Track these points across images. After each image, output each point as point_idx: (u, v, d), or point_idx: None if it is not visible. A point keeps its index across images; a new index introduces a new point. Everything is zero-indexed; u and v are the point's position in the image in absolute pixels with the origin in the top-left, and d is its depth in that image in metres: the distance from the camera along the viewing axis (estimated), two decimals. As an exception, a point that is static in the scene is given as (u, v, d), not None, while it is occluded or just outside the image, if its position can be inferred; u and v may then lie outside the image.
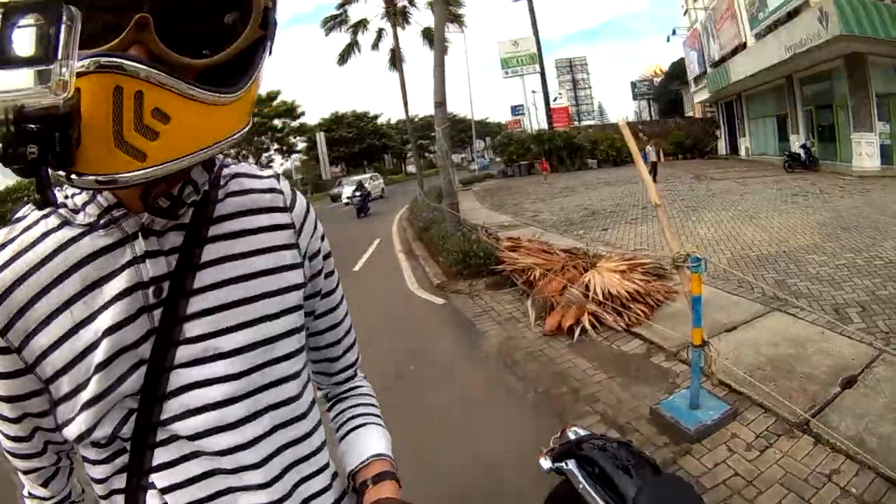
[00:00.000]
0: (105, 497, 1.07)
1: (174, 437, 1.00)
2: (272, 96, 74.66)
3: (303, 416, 1.15)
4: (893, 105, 23.16)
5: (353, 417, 1.38)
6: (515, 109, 73.36)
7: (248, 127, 0.98)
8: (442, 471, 4.55)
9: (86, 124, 0.73)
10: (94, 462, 1.04)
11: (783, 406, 4.85)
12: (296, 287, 1.14)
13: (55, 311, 0.94)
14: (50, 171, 0.75)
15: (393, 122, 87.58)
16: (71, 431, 0.98)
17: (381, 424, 1.39)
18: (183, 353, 0.99)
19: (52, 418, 1.02)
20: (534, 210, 21.96)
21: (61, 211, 0.98)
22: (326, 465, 1.22)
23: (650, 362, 6.29)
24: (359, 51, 34.69)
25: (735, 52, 35.17)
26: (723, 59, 37.60)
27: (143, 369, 0.97)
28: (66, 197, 0.98)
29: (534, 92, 62.55)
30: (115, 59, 0.73)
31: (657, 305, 7.72)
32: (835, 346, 5.91)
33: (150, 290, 0.98)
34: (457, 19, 29.80)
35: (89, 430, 0.96)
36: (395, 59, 33.13)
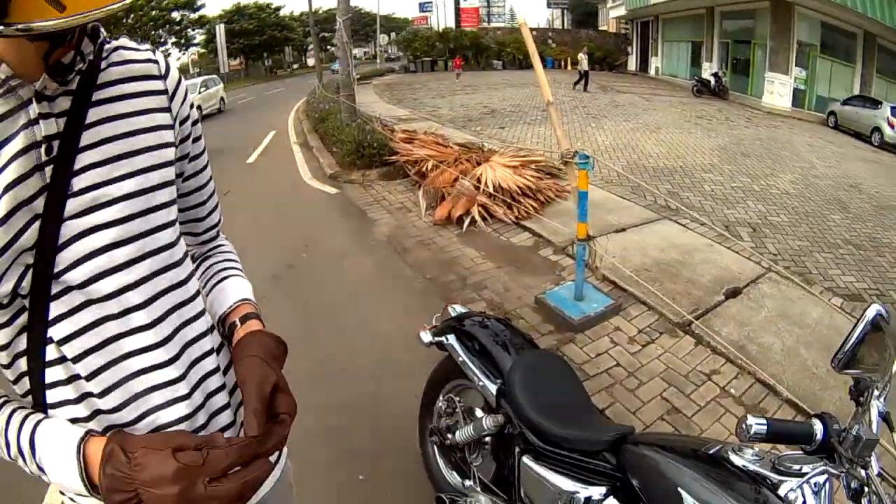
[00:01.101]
0: (9, 365, 1.10)
1: (68, 289, 1.04)
2: (171, -12, 72.15)
3: (179, 263, 1.20)
4: (812, 55, 24.11)
5: (218, 272, 1.45)
6: (423, 6, 72.02)
7: None
8: (333, 348, 4.64)
9: None
10: None
11: (666, 306, 5.04)
12: (169, 145, 1.19)
13: None
14: None
15: (296, 13, 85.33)
16: None
17: (242, 276, 1.46)
18: (73, 204, 1.03)
19: None
20: (433, 105, 21.81)
21: None
22: (203, 312, 1.27)
23: (538, 255, 6.42)
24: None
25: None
26: (642, -21, 37.69)
27: (38, 224, 1.00)
28: None
29: (444, -11, 61.54)
30: None
31: (548, 202, 7.85)
32: (722, 259, 6.17)
33: (43, 148, 1.00)
34: None
35: (14, 283, 1.00)
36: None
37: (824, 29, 23.59)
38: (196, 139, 1.35)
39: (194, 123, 1.33)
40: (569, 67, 40.90)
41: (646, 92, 26.67)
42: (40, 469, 1.03)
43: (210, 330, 1.28)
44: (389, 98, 25.94)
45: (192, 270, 1.28)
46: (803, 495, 1.38)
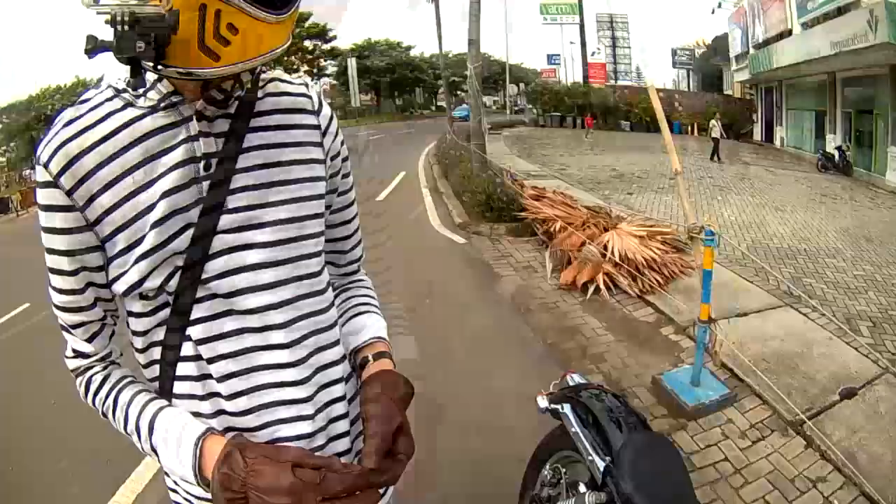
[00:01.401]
0: (143, 350, 1.25)
1: (212, 295, 1.18)
2: (304, 17, 73.94)
3: (322, 292, 1.33)
4: None
5: (356, 305, 1.54)
6: (552, 59, 71.99)
7: (289, 43, 1.14)
8: (443, 398, 4.74)
9: (171, 30, 0.94)
10: (139, 315, 1.21)
11: (781, 402, 4.94)
12: (320, 178, 1.31)
13: (118, 176, 1.11)
14: (143, 62, 0.96)
15: (427, 55, 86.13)
16: (124, 282, 1.15)
17: (379, 313, 1.55)
18: (226, 220, 1.17)
19: (105, 274, 1.18)
20: (561, 164, 21.95)
21: (125, 95, 1.15)
22: (338, 341, 1.38)
23: (659, 333, 6.42)
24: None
25: (780, 37, 34.18)
26: (766, 42, 36.66)
27: (191, 232, 1.15)
28: (130, 84, 1.06)
29: (571, 43, 61.28)
30: None
31: (672, 277, 7.81)
32: (840, 354, 5.98)
33: (202, 164, 1.15)
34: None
35: (140, 282, 1.14)
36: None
37: None
38: (345, 175, 1.47)
39: (344, 160, 1.45)
40: (695, 133, 40.19)
41: (772, 165, 25.91)
42: (153, 450, 1.17)
43: (342, 359, 1.39)
44: (519, 151, 26.25)
45: (333, 300, 1.40)
46: None
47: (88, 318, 1.23)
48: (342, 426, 1.37)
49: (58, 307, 1.22)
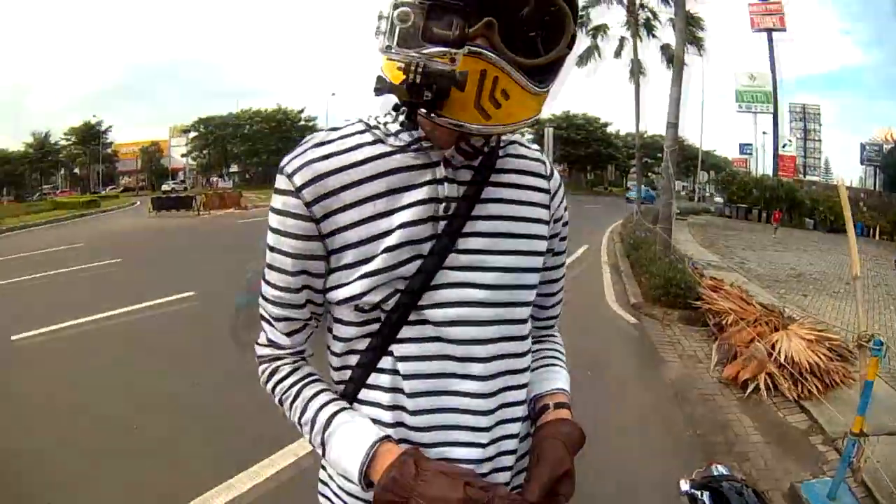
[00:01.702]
0: (340, 354, 1.40)
1: (424, 321, 1.29)
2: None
3: (523, 338, 1.44)
4: None
5: (545, 357, 1.67)
6: (743, 148, 70.40)
7: (539, 114, 1.29)
8: (587, 470, 4.86)
9: (459, 86, 1.06)
10: (348, 323, 1.35)
11: None
12: (543, 237, 1.45)
13: (359, 200, 1.25)
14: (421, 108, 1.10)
15: (622, 133, 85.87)
16: (344, 293, 1.28)
17: (566, 368, 1.68)
18: (454, 258, 1.30)
19: (323, 281, 1.32)
20: (742, 257, 21.63)
21: (376, 132, 1.30)
22: (526, 385, 1.48)
23: (807, 440, 6.43)
24: (599, 56, 34.62)
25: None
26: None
27: (419, 262, 1.28)
28: (381, 123, 1.31)
29: (764, 133, 59.98)
30: (481, 49, 1.08)
31: (832, 386, 7.70)
32: None
33: (442, 205, 1.29)
34: (696, 41, 29.31)
35: (361, 295, 1.26)
36: (634, 70, 32.97)
37: None
38: (562, 238, 1.60)
39: (564, 224, 1.58)
40: (877, 237, 38.27)
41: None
42: (322, 444, 1.30)
43: (524, 402, 1.48)
44: (701, 239, 26.04)
45: (530, 348, 1.49)
46: None
47: (295, 316, 1.37)
48: (508, 461, 1.44)
49: (268, 300, 1.37)
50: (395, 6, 1.00)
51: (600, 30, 34.10)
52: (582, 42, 34.69)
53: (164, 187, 75.12)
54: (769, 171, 52.68)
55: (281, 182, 1.26)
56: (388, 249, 1.25)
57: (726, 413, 6.88)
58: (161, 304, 10.26)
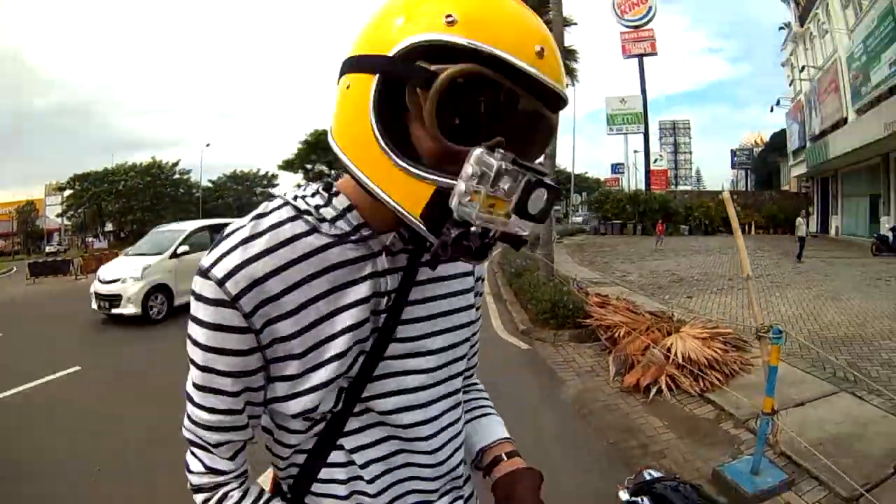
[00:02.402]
0: (287, 457, 1.32)
1: (367, 410, 1.26)
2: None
3: (459, 405, 1.45)
4: None
5: (477, 407, 1.70)
6: (615, 168, 72.86)
7: None
8: None
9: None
10: (295, 431, 1.27)
11: (838, 481, 5.05)
12: (472, 306, 1.45)
13: (301, 304, 1.13)
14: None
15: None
16: (296, 406, 1.18)
17: (497, 415, 1.72)
18: (394, 348, 1.25)
19: (263, 393, 1.21)
20: (622, 270, 22.20)
21: (308, 218, 1.17)
22: (463, 444, 1.50)
23: (719, 428, 6.53)
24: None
25: (836, 126, 34.66)
26: (823, 134, 37.09)
27: (362, 358, 1.21)
28: (312, 207, 1.19)
29: (635, 151, 62.12)
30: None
31: (732, 375, 7.92)
32: (895, 429, 6.11)
33: (384, 299, 1.21)
34: (570, 73, 30.16)
35: (315, 408, 1.18)
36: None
37: None
38: (479, 294, 1.56)
39: (482, 281, 1.56)
40: (752, 232, 40.18)
41: (827, 255, 25.75)
42: None
43: (465, 459, 1.53)
44: (580, 259, 26.66)
45: (463, 408, 1.50)
46: None
47: (237, 437, 1.24)
48: None
49: (203, 426, 1.20)
50: (516, 175, 0.95)
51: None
52: None
53: (49, 249, 70.91)
54: (643, 187, 54.32)
55: (208, 289, 1.10)
56: (337, 357, 1.17)
57: (634, 418, 6.87)
58: (48, 384, 9.61)
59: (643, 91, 54.13)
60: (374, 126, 1.00)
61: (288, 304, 1.12)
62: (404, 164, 0.99)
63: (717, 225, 45.85)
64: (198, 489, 1.25)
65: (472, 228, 0.96)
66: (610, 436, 6.41)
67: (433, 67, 0.95)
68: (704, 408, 7.13)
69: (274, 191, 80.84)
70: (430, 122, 0.96)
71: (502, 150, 0.94)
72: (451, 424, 1.40)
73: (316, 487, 1.29)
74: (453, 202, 0.93)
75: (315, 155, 75.33)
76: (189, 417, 1.21)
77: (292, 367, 1.16)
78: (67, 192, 77.52)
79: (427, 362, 1.30)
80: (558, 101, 1.09)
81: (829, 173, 38.66)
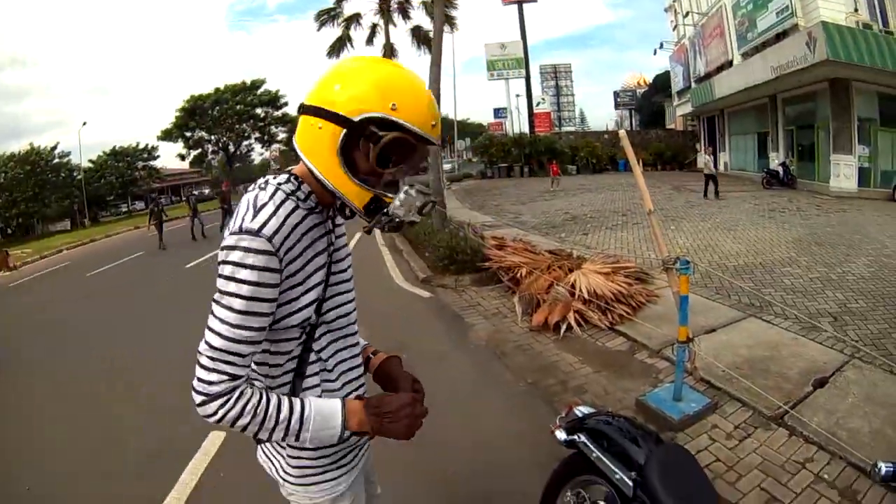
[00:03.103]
0: (282, 364, 1.90)
1: (322, 322, 1.94)
2: (256, 84, 73.86)
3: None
4: (874, 130, 23.78)
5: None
6: (498, 112, 72.81)
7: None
8: (438, 450, 4.70)
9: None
10: (290, 339, 1.86)
11: (759, 401, 5.22)
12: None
13: (300, 253, 1.78)
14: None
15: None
16: (298, 318, 1.81)
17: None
18: (334, 279, 1.99)
19: (273, 316, 1.75)
20: (514, 212, 22.32)
21: (292, 198, 1.78)
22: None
23: (634, 359, 6.64)
24: (351, 45, 34.63)
25: (721, 69, 35.69)
26: (708, 75, 38.09)
27: (323, 285, 1.91)
28: (290, 191, 1.79)
29: (517, 96, 62.21)
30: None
31: (639, 307, 8.07)
32: (807, 351, 6.33)
33: (332, 248, 1.98)
34: (449, 21, 29.88)
35: (307, 319, 1.84)
36: (388, 55, 33.24)
37: (882, 100, 23.35)
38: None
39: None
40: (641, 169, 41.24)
41: (719, 189, 26.61)
42: (301, 428, 1.76)
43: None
44: (471, 204, 26.60)
45: None
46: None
47: (256, 349, 1.74)
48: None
49: (238, 341, 1.66)
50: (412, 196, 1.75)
51: (352, 20, 34.08)
52: (334, 34, 34.95)
53: (-65, 255, 66.35)
54: (526, 131, 54.52)
55: (258, 243, 1.64)
56: (317, 285, 1.87)
57: (548, 356, 6.89)
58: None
59: (523, 37, 54.10)
60: (340, 158, 1.69)
61: (296, 250, 1.77)
62: (358, 182, 1.72)
63: (603, 163, 46.69)
64: (217, 395, 1.67)
65: (396, 219, 1.76)
66: (527, 376, 6.40)
67: (380, 133, 1.65)
68: (616, 340, 7.24)
69: (155, 163, 79.01)
70: (373, 160, 1.68)
71: (414, 187, 1.75)
72: (356, 330, 2.17)
73: (304, 383, 1.93)
74: (391, 208, 1.74)
75: (193, 122, 73.34)
76: (219, 342, 1.67)
77: (295, 293, 1.79)
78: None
79: (347, 287, 2.07)
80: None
81: (716, 112, 39.75)
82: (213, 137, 76.15)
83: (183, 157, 78.73)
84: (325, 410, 1.80)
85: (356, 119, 1.64)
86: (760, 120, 33.12)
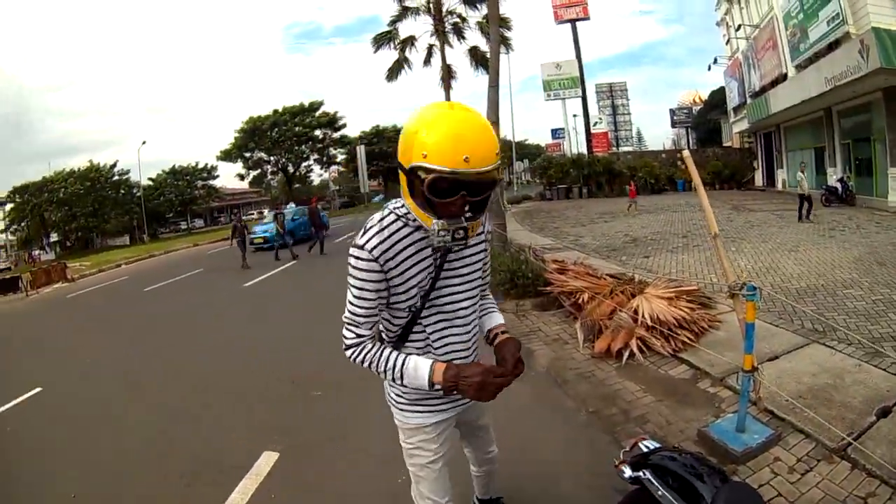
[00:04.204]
0: (394, 331, 2.75)
1: (432, 306, 2.67)
2: (315, 107, 74.86)
3: (475, 304, 2.85)
4: None
5: (486, 307, 3.10)
6: (556, 133, 72.84)
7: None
8: (500, 482, 4.39)
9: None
10: (400, 316, 2.69)
11: (823, 432, 5.12)
12: (482, 260, 2.86)
13: (405, 258, 2.51)
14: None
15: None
16: (403, 304, 2.62)
17: (498, 311, 3.12)
18: (444, 274, 2.65)
19: (387, 300, 2.61)
20: (574, 234, 22.17)
21: (401, 219, 2.53)
22: (477, 325, 2.97)
23: (696, 387, 6.54)
24: (409, 67, 35.33)
25: (775, 82, 35.00)
26: (763, 90, 37.43)
27: (430, 281, 2.62)
28: (402, 213, 2.53)
29: (574, 116, 61.91)
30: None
31: (702, 333, 7.95)
32: (871, 378, 6.17)
33: (438, 255, 2.60)
34: (504, 42, 30.01)
35: (412, 304, 2.63)
36: (446, 77, 33.52)
37: None
38: (488, 241, 2.94)
39: (488, 233, 2.94)
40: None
41: (776, 208, 26.10)
42: (401, 375, 2.58)
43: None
44: (531, 226, 26.58)
45: (477, 309, 2.91)
46: None
47: (372, 319, 2.61)
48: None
49: (356, 314, 2.57)
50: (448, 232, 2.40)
51: (407, 42, 34.62)
52: (390, 57, 36.03)
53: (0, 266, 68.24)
54: (584, 151, 54.37)
55: (363, 254, 2.47)
56: (419, 283, 2.60)
57: (610, 384, 6.84)
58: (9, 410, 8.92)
59: (578, 55, 53.93)
60: (408, 192, 2.42)
61: (398, 259, 2.50)
62: (422, 210, 2.39)
63: (662, 184, 46.25)
64: (348, 347, 2.64)
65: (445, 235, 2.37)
66: (589, 404, 6.37)
67: (422, 175, 2.26)
68: (679, 368, 7.15)
69: (214, 182, 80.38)
70: (425, 193, 2.29)
71: (443, 222, 2.35)
72: (472, 313, 2.83)
73: (408, 345, 2.75)
74: (433, 228, 2.36)
75: (252, 142, 74.53)
76: (348, 311, 2.60)
77: (400, 288, 2.56)
78: (8, 207, 74.61)
79: (460, 282, 2.71)
80: (487, 171, 2.29)
81: (772, 128, 39.09)
82: (272, 158, 77.48)
83: (242, 178, 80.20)
84: (419, 366, 2.57)
85: (408, 167, 2.34)
86: (816, 134, 32.44)
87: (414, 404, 2.86)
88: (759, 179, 44.22)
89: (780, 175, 38.58)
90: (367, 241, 2.47)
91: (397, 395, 2.90)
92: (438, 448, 2.96)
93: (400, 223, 2.52)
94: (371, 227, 2.52)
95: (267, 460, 5.47)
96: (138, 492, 5.27)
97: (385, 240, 2.48)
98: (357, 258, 2.48)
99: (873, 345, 6.94)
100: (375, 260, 2.46)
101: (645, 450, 3.12)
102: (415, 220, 2.48)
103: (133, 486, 5.35)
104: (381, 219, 2.54)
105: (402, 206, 2.54)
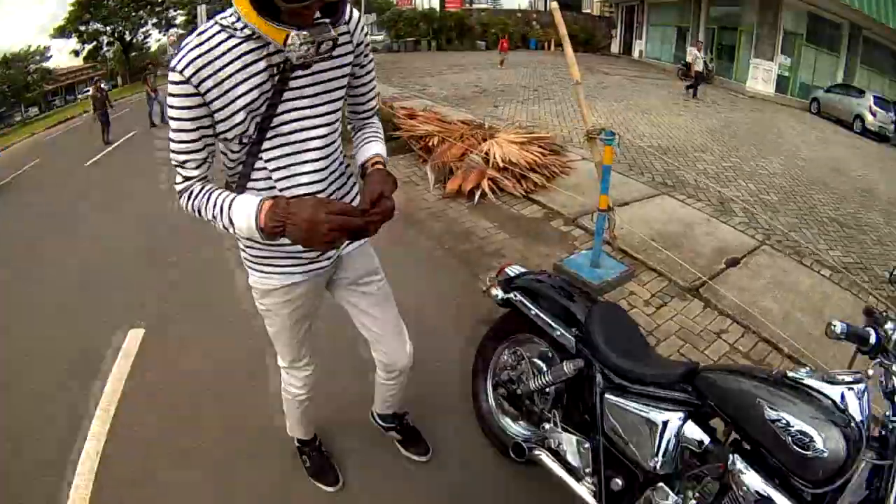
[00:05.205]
0: (232, 169, 2.24)
1: (276, 135, 2.12)
2: (154, -29, 70.77)
3: (335, 132, 2.28)
4: (798, 43, 24.69)
5: (365, 136, 2.46)
6: (406, -11, 71.51)
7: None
8: None
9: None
10: (234, 151, 2.15)
11: (675, 272, 5.41)
12: (347, 75, 2.26)
13: (228, 75, 1.95)
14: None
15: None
16: (232, 133, 2.04)
17: (382, 140, 2.46)
18: (289, 94, 2.08)
19: (213, 128, 2.04)
20: (423, 84, 21.78)
21: (227, 30, 1.94)
22: (340, 155, 2.38)
23: (549, 226, 6.71)
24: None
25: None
26: (631, -37, 37.95)
27: (268, 102, 2.05)
28: (229, 23, 1.95)
29: (429, -29, 60.89)
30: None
31: (553, 177, 8.11)
32: (720, 232, 6.59)
33: (276, 70, 2.02)
34: None
35: (243, 133, 2.06)
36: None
37: (811, 19, 24.05)
38: (366, 55, 2.38)
39: (367, 45, 2.38)
40: (552, 49, 40.89)
41: (631, 74, 26.77)
42: (230, 221, 2.00)
43: (348, 174, 2.45)
44: (378, 77, 26.06)
45: (340, 144, 2.35)
46: (848, 398, 1.79)
47: (197, 156, 2.10)
48: (344, 197, 2.42)
49: (176, 151, 2.07)
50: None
51: None
52: None
53: None
54: (437, 6, 53.56)
55: (174, 76, 1.94)
56: (249, 102, 2.02)
57: (463, 223, 6.93)
58: None
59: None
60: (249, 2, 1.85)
61: (219, 76, 1.94)
62: (264, 21, 1.85)
63: (515, 42, 46.33)
64: (180, 193, 2.17)
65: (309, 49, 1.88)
66: (444, 241, 6.43)
67: None
68: (531, 208, 7.28)
69: (48, 64, 74.91)
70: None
71: (305, 33, 1.85)
72: (331, 144, 2.26)
73: (250, 185, 2.22)
74: (293, 42, 1.85)
75: (88, 13, 69.96)
76: (171, 151, 2.08)
77: (226, 112, 2.00)
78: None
79: (311, 102, 2.14)
80: None
81: (636, 2, 39.66)
82: (108, 28, 73.04)
83: (77, 53, 75.42)
84: (245, 206, 1.99)
85: None
86: (682, 15, 33.61)
87: (261, 263, 2.43)
88: (615, 47, 44.91)
89: (638, 46, 39.57)
90: (180, 61, 1.95)
91: (245, 252, 2.47)
92: (292, 313, 2.62)
93: (224, 34, 1.95)
94: (187, 44, 1.95)
95: (135, 337, 5.23)
96: (27, 389, 4.86)
97: (202, 55, 1.92)
98: (171, 83, 1.95)
99: (722, 204, 7.32)
100: (187, 81, 1.92)
101: (512, 274, 3.16)
102: (244, 28, 1.93)
103: (20, 384, 4.95)
104: (201, 32, 1.98)
105: (232, 14, 1.97)
